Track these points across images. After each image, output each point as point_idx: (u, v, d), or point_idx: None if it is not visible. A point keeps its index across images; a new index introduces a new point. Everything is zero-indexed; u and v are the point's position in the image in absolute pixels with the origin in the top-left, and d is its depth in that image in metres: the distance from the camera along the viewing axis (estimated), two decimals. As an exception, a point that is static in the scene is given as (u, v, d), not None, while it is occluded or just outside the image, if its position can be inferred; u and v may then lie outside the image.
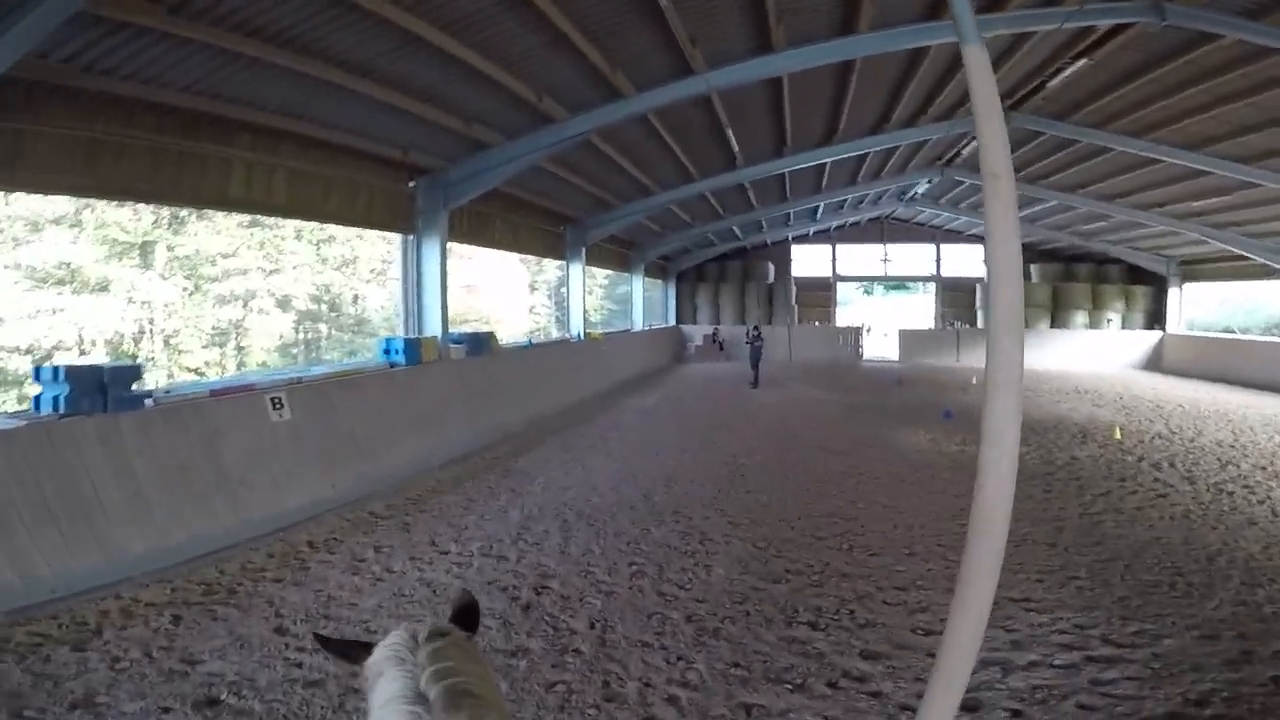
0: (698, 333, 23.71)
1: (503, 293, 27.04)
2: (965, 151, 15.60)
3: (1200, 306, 22.67)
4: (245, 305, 19.39)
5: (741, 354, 23.09)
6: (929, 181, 18.37)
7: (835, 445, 9.66)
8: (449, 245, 9.77)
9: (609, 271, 28.02)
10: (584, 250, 14.09)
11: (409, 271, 9.17)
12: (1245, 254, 17.06)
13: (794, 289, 25.32)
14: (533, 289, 28.25)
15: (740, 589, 4.73)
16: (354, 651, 1.11)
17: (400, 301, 9.30)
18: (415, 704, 0.90)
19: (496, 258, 26.52)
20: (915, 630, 4.07)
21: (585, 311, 14.54)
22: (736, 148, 11.41)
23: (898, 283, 31.79)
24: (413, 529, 6.12)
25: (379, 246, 20.81)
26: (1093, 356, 22.05)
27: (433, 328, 9.07)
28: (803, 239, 26.96)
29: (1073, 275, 24.07)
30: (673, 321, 24.73)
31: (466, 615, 1.22)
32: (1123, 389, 16.16)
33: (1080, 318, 23.44)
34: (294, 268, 20.90)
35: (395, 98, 7.23)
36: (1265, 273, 18.02)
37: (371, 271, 22.36)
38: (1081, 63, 9.64)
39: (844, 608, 4.42)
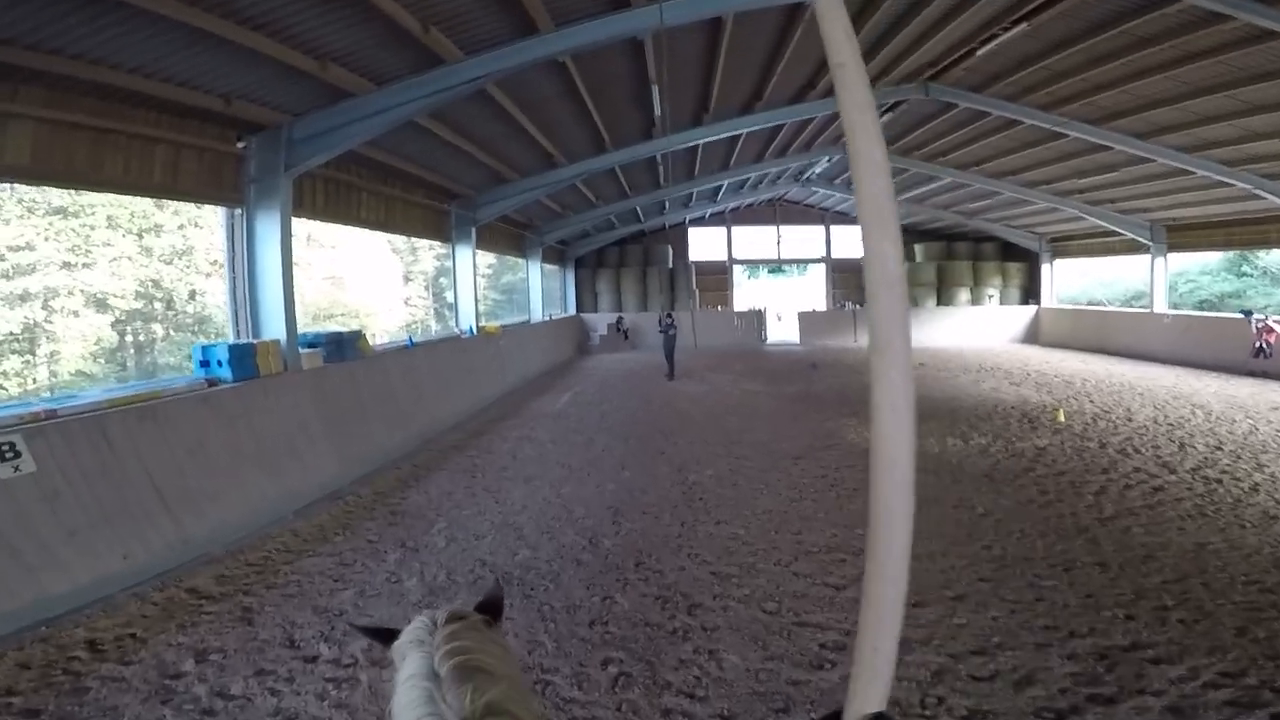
0: (601, 322, 22.04)
1: (373, 284, 23.87)
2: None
3: (1066, 281, 24.36)
4: (45, 306, 15.28)
5: (646, 342, 21.91)
6: (828, 160, 17.88)
7: (788, 447, 8.45)
8: (301, 224, 7.44)
9: (492, 260, 25.81)
10: (474, 231, 11.93)
11: (238, 256, 6.74)
12: (1117, 229, 18.11)
13: (694, 273, 24.33)
14: (407, 279, 25.25)
15: (774, 686, 3.23)
16: (383, 636, 1.20)
17: (229, 296, 6.82)
18: (429, 680, 1.00)
19: (363, 243, 23.39)
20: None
21: (477, 301, 12.40)
22: (659, 111, 9.82)
23: (783, 265, 32.01)
24: (258, 618, 4.12)
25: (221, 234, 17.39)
26: (977, 331, 23.00)
27: (274, 328, 6.71)
28: (699, 221, 26.12)
29: (954, 254, 25.05)
30: (573, 310, 22.88)
31: (491, 605, 1.30)
32: (1022, 364, 16.51)
33: (963, 294, 24.42)
34: (111, 261, 16.87)
35: (215, 24, 4.97)
36: (1127, 247, 19.38)
37: (212, 263, 18.64)
38: (1021, 27, 9.05)
39: (928, 695, 3.06)
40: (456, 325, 11.86)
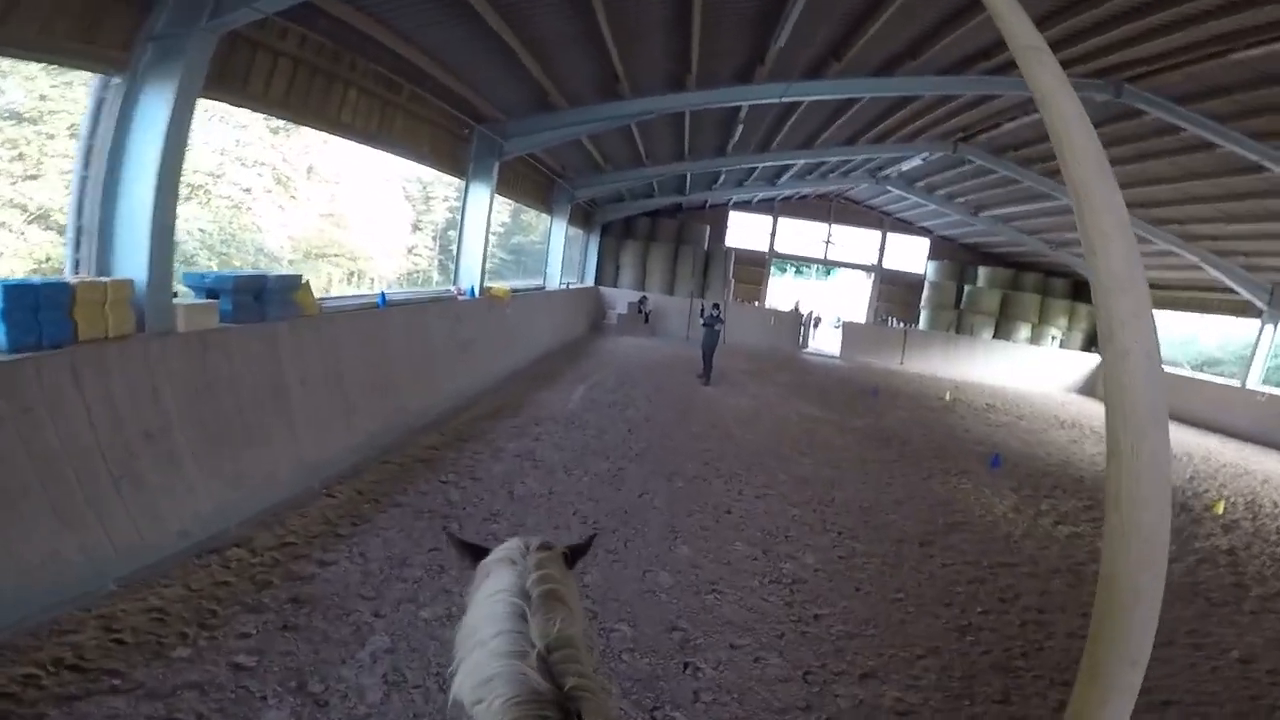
0: (621, 298, 19.35)
1: (377, 227, 21.14)
2: (995, 131, 12.38)
3: (1133, 331, 21.87)
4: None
5: (668, 329, 19.32)
6: (923, 158, 15.09)
7: (900, 521, 6.01)
8: (248, 119, 4.82)
9: (505, 218, 23.01)
10: (496, 167, 9.21)
11: (98, 149, 4.03)
12: (1233, 286, 15.60)
13: (732, 261, 21.63)
14: (416, 228, 22.53)
15: None
16: (473, 552, 1.33)
17: (72, 209, 4.06)
18: (519, 597, 1.05)
19: (371, 181, 20.50)
20: None
21: (486, 257, 9.74)
22: (777, 44, 7.13)
23: (831, 267, 29.34)
24: None
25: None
26: (1033, 374, 20.60)
27: (134, 262, 4.04)
28: (743, 205, 23.36)
29: (1020, 284, 22.46)
30: (591, 281, 20.16)
31: (578, 550, 1.41)
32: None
33: (1024, 330, 21.92)
34: (64, 173, 14.22)
35: None
36: (1231, 307, 16.93)
37: (188, 185, 15.98)
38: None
39: None
40: (455, 283, 9.18)
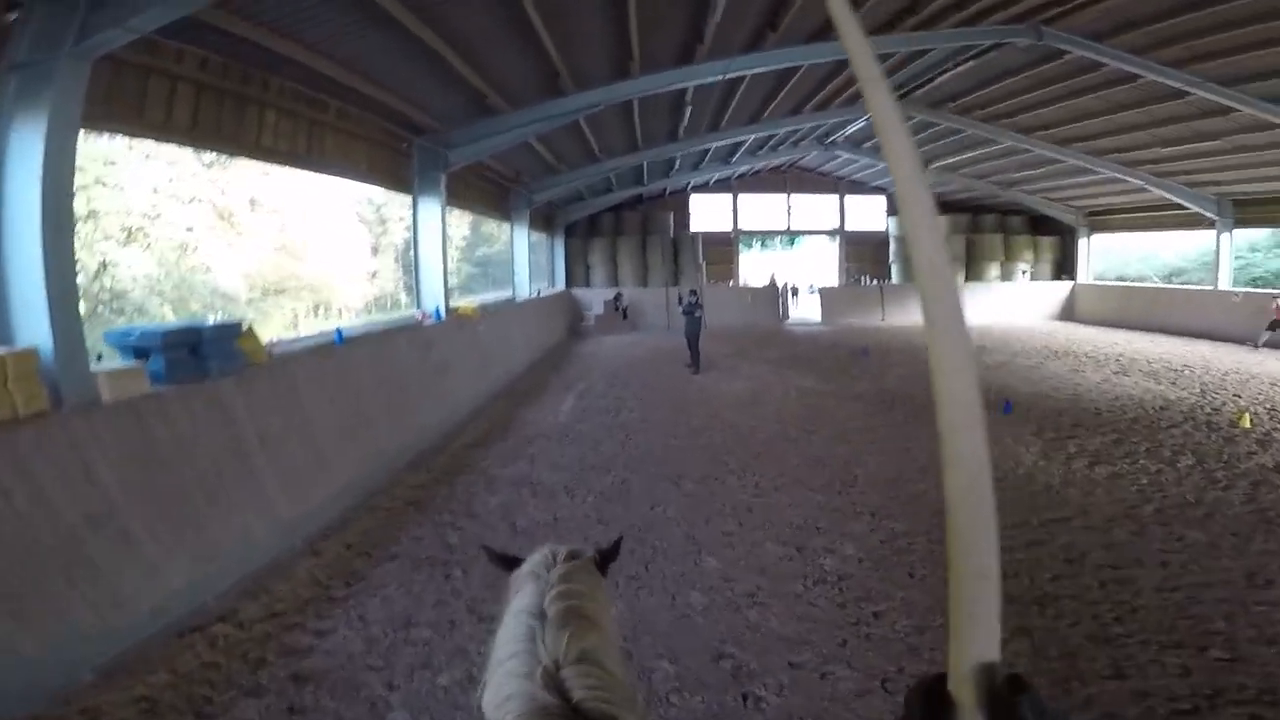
0: (595, 298, 18.83)
1: (335, 255, 20.26)
2: (930, 86, 12.17)
3: (1098, 257, 22.06)
4: None
5: (648, 321, 18.86)
6: (867, 119, 14.81)
7: (937, 492, 5.61)
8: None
9: (466, 231, 22.32)
10: (443, 179, 8.64)
11: None
12: (1181, 203, 15.71)
13: (700, 244, 21.24)
14: (376, 251, 21.71)
15: None
16: (508, 563, 1.29)
17: None
18: (535, 618, 1.03)
19: (321, 208, 19.73)
20: None
21: (447, 274, 9.16)
22: (715, 19, 6.74)
23: (793, 236, 29.14)
24: None
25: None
26: (1011, 309, 20.65)
27: (34, 324, 3.44)
28: (702, 188, 23.01)
29: (980, 227, 22.54)
30: (562, 285, 19.60)
31: (609, 554, 1.36)
32: (1091, 346, 14.30)
33: (993, 270, 21.97)
34: None
35: None
36: (1183, 221, 17.10)
37: (125, 229, 15.02)
38: None
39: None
40: (419, 307, 8.59)
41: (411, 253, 8.58)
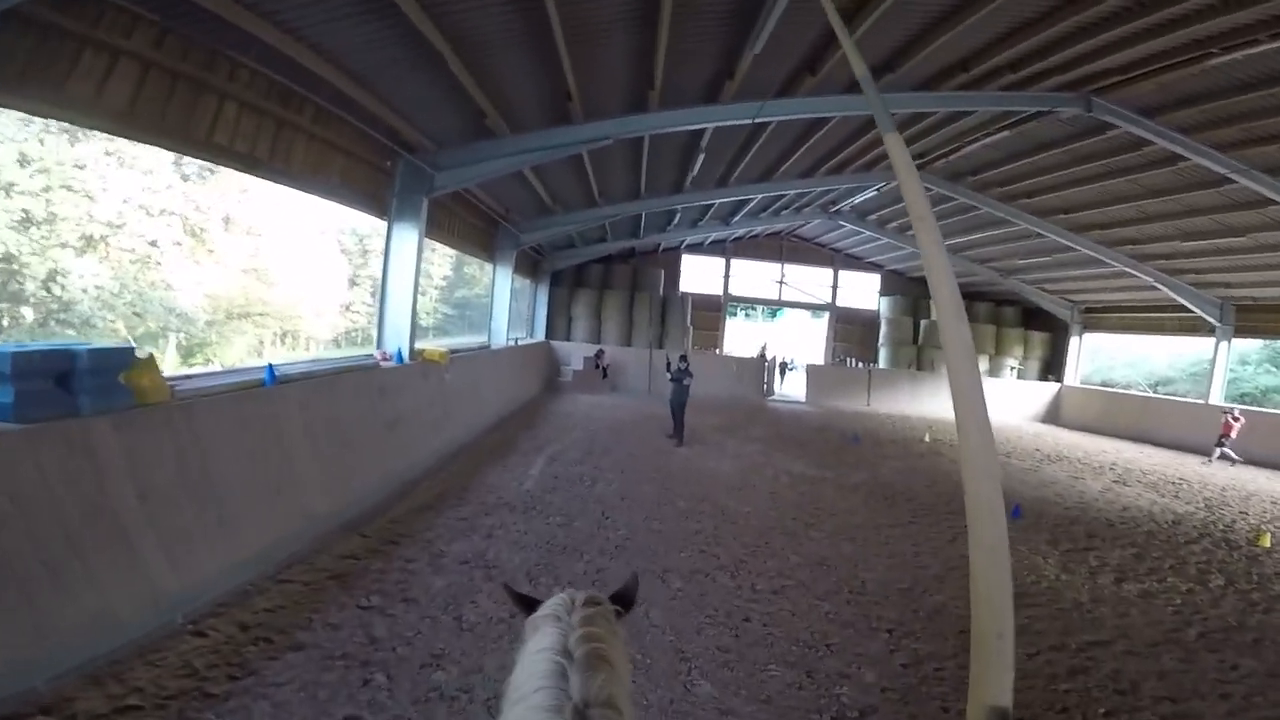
0: (575, 353, 17.90)
1: (308, 282, 19.30)
2: (953, 156, 11.93)
3: (1087, 357, 22.01)
4: None
5: (629, 385, 17.91)
6: (878, 189, 14.61)
7: (957, 606, 4.69)
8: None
9: (448, 270, 21.43)
10: (425, 204, 7.80)
11: None
12: (1187, 305, 15.60)
13: (689, 307, 20.64)
14: (353, 283, 20.70)
15: None
16: (526, 604, 1.28)
17: None
18: (562, 657, 1.05)
19: (300, 234, 18.87)
20: None
21: (415, 313, 8.19)
22: (755, 50, 6.22)
23: (780, 308, 28.87)
24: None
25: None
26: (997, 406, 20.11)
27: None
28: (695, 248, 22.66)
29: (973, 316, 22.29)
30: (542, 335, 18.67)
31: (624, 597, 1.34)
32: (1083, 453, 13.79)
33: (982, 362, 21.64)
34: None
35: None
36: (1184, 326, 16.97)
37: (84, 237, 13.90)
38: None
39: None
40: (379, 346, 7.55)
41: (380, 284, 7.60)
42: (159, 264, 14.79)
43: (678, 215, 16.15)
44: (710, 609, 4.57)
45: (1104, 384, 22.26)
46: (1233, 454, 13.59)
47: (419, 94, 6.66)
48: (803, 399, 19.34)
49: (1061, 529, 7.32)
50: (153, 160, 13.18)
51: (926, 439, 13.68)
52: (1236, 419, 13.74)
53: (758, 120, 8.18)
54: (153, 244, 14.43)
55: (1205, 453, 14.26)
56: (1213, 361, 16.16)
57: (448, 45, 5.68)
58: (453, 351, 9.47)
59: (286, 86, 5.68)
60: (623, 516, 6.53)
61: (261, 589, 4.29)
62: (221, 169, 6.56)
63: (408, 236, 7.57)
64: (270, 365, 4.99)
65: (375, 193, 7.44)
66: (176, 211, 14.85)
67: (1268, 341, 20.26)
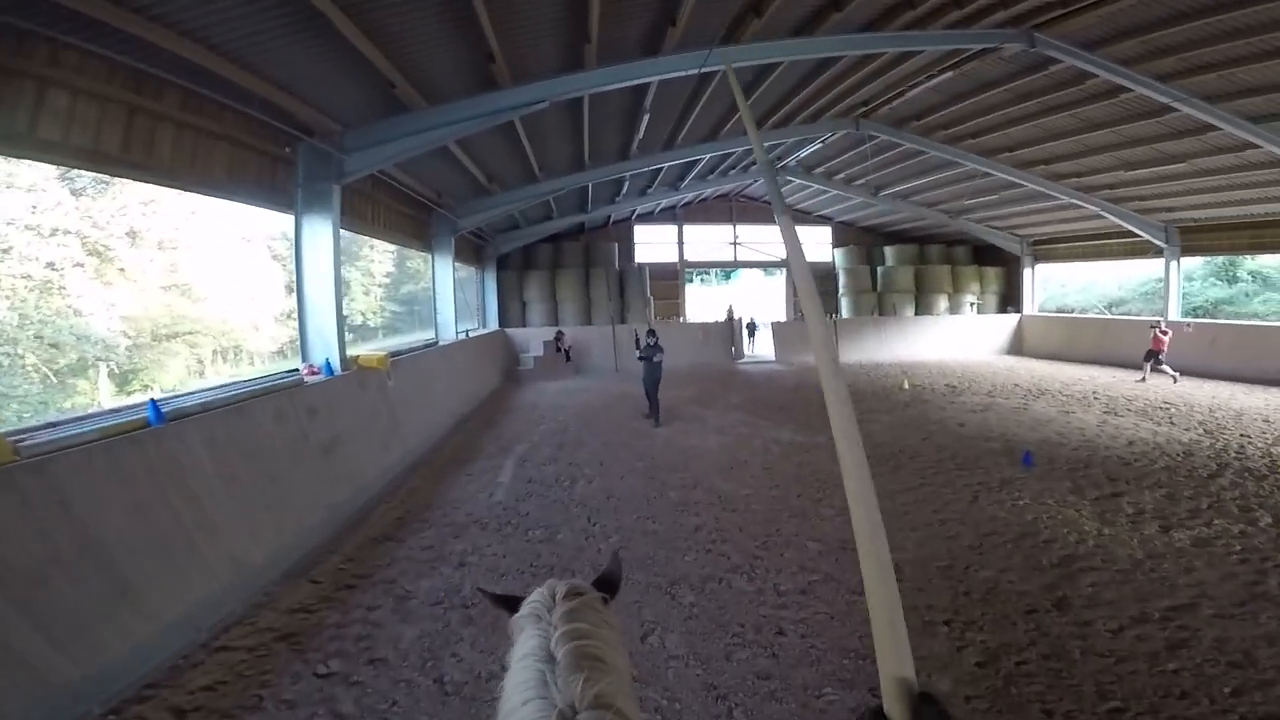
0: (533, 339, 16.91)
1: (241, 295, 17.78)
2: (896, 102, 11.37)
3: (1040, 287, 22.18)
4: None
5: (593, 364, 17.08)
6: (824, 139, 13.95)
7: (1008, 580, 4.18)
8: None
9: (390, 267, 20.03)
10: (336, 192, 6.71)
11: None
12: (1134, 230, 15.60)
13: (647, 278, 19.83)
14: (290, 290, 19.14)
15: None
16: (507, 604, 1.18)
17: None
18: (545, 662, 0.96)
19: (223, 243, 17.29)
20: None
21: (344, 315, 7.18)
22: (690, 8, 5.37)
23: (733, 269, 28.36)
24: None
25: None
26: (961, 343, 20.18)
27: None
28: (647, 218, 21.79)
29: (927, 258, 22.25)
30: (495, 325, 17.57)
31: (609, 582, 1.26)
32: (1061, 384, 13.57)
33: (942, 302, 21.61)
34: None
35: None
36: (1130, 250, 17.08)
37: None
38: None
39: None
40: (304, 360, 6.52)
41: (295, 289, 6.53)
42: (62, 289, 13.21)
43: (625, 184, 15.22)
44: (735, 625, 3.89)
45: (1059, 310, 22.50)
46: (1169, 369, 13.27)
47: (309, 69, 5.59)
48: (772, 358, 18.89)
49: (1079, 473, 6.78)
50: (34, 175, 11.62)
51: (905, 386, 13.36)
52: (1165, 332, 13.49)
53: (704, 70, 7.34)
54: (50, 267, 12.86)
55: (1174, 368, 14.35)
56: (1165, 281, 16.31)
57: (332, 4, 4.64)
58: (394, 354, 8.47)
59: (135, 69, 4.57)
60: (611, 519, 5.80)
61: (195, 661, 3.53)
62: (119, 180, 5.39)
63: (320, 230, 6.50)
64: (153, 401, 3.99)
65: (275, 184, 6.33)
66: (72, 230, 13.25)
67: (1209, 258, 20.72)
